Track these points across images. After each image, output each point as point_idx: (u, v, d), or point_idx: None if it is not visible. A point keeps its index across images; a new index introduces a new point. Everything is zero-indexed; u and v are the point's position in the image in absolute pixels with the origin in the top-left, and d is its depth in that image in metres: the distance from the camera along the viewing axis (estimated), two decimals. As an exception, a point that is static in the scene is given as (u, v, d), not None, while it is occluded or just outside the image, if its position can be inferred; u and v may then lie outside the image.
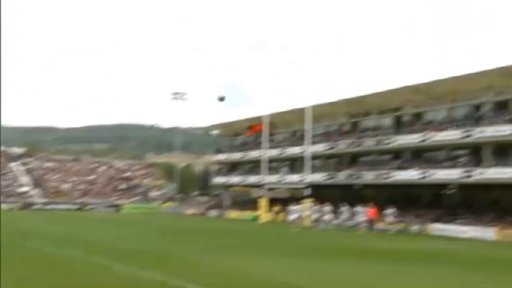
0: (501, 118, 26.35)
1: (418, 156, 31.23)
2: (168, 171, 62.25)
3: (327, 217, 26.38)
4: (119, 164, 57.99)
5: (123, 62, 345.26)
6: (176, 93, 53.07)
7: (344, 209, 26.33)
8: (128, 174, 54.80)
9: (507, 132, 25.20)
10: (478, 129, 26.62)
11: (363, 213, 25.02)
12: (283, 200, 36.22)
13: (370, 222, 24.78)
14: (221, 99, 35.96)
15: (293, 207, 28.55)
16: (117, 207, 46.73)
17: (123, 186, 51.77)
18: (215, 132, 50.70)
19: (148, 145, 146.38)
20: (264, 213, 33.37)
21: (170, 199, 51.32)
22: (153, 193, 51.96)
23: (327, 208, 27.00)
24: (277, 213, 33.04)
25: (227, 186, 46.71)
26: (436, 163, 29.08)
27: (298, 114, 36.02)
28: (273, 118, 36.72)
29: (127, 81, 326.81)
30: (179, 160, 62.43)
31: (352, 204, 26.83)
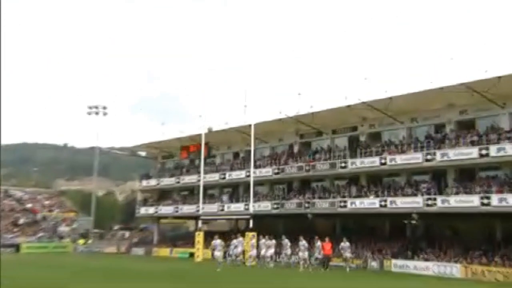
0: (465, 139, 27.11)
1: (376, 181, 32.05)
2: (83, 201, 62.33)
3: (269, 252, 26.55)
4: (20, 193, 57.03)
5: (28, 66, 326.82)
6: (93, 107, 52.93)
7: (289, 243, 26.73)
8: (30, 205, 54.08)
9: (473, 156, 25.79)
10: (440, 151, 27.33)
11: (318, 248, 25.52)
12: (225, 233, 37.08)
13: (325, 259, 25.06)
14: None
15: (234, 241, 29.30)
16: (17, 246, 45.90)
17: (25, 219, 51.14)
18: (142, 153, 50.98)
19: (58, 169, 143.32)
20: (200, 250, 33.13)
21: (85, 235, 51.12)
22: (63, 228, 51.45)
23: (270, 242, 26.99)
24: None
25: (156, 218, 47.01)
26: (396, 190, 29.72)
27: (241, 132, 36.83)
28: (212, 137, 37.84)
29: (31, 90, 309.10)
30: (96, 187, 61.37)
31: (304, 237, 26.74)
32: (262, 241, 27.18)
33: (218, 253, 24.22)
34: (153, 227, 48.23)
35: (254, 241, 27.55)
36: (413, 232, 30.38)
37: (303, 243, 24.83)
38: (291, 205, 33.76)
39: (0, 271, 16.06)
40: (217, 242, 24.75)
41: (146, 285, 15.15)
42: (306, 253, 24.44)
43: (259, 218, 31.60)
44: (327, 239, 25.34)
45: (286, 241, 26.74)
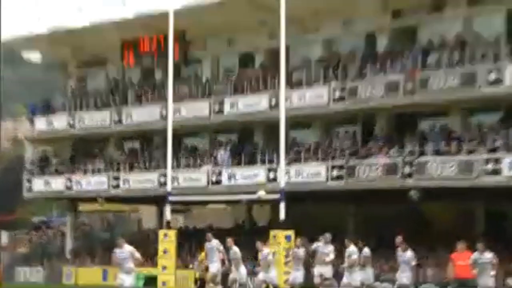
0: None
1: None
2: None
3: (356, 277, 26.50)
4: None
5: None
6: None
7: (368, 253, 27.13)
8: None
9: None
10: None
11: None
12: (225, 234, 35.71)
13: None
14: None
15: (264, 251, 27.99)
16: None
17: None
18: (33, 56, 52.76)
19: None
20: (171, 269, 33.07)
21: None
22: None
23: (351, 249, 26.57)
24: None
25: (69, 202, 48.51)
26: None
27: (257, 6, 38.19)
28: (192, 19, 39.02)
29: None
30: None
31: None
32: (318, 245, 26.22)
33: (215, 269, 26.95)
34: (64, 221, 48.46)
35: (297, 251, 27.05)
36: None
37: (405, 254, 24.56)
38: (372, 170, 33.21)
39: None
40: (213, 243, 27.07)
41: None
42: (406, 275, 24.25)
43: (299, 199, 32.85)
44: (460, 245, 22.91)
45: (366, 250, 26.84)
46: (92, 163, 46.47)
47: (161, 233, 33.28)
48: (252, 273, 30.58)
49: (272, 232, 29.13)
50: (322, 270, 26.18)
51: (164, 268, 32.54)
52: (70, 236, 48.24)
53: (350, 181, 33.89)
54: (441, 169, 31.27)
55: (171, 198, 33.52)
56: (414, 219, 35.06)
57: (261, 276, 27.09)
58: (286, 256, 27.58)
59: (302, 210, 34.99)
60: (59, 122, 46.80)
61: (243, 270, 27.79)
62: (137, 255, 23.66)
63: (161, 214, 42.18)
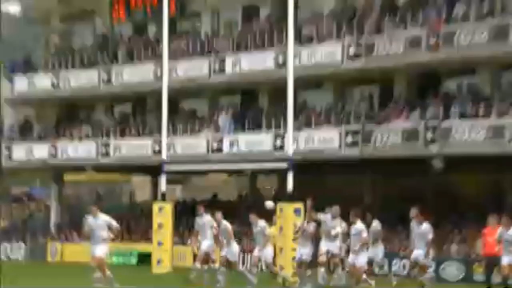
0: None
1: None
2: None
3: (362, 257, 25.95)
4: None
5: None
6: None
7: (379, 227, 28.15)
8: None
9: None
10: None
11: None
12: (227, 206, 37.66)
13: (490, 263, 24.42)
14: None
15: (259, 223, 27.89)
16: None
17: None
18: (10, 8, 53.29)
19: None
20: (167, 246, 33.96)
21: None
22: None
23: (359, 226, 26.39)
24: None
25: (53, 171, 48.58)
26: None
27: None
28: None
29: None
30: None
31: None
32: (326, 217, 26.89)
33: (205, 247, 27.18)
34: (48, 193, 48.82)
35: (306, 227, 26.96)
36: None
37: (422, 226, 24.88)
38: (391, 136, 32.99)
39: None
40: (205, 219, 27.37)
41: None
42: (420, 252, 24.59)
43: (309, 169, 33.14)
44: (492, 219, 23.99)
45: (375, 225, 27.38)
46: (79, 128, 45.85)
47: (155, 206, 33.43)
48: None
49: (279, 205, 28.99)
50: (330, 247, 26.25)
51: (159, 244, 32.72)
52: (55, 209, 47.92)
53: (366, 149, 33.56)
54: (468, 135, 30.71)
55: (166, 167, 33.81)
56: (437, 191, 35.01)
57: (256, 252, 27.05)
58: (295, 232, 27.61)
59: (313, 181, 34.90)
60: (42, 82, 46.32)
61: (234, 247, 27.72)
62: (114, 223, 23.75)
63: (155, 185, 42.11)
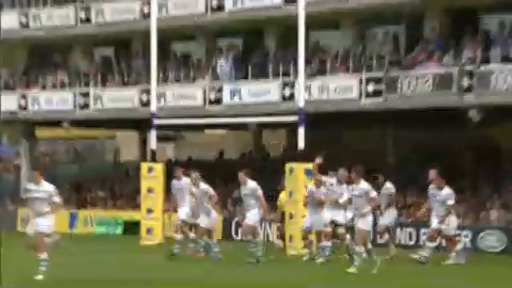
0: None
1: None
2: None
3: (390, 216, 28.67)
4: None
5: None
6: None
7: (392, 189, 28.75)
8: None
9: None
10: None
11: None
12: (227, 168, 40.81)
13: None
14: None
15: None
16: None
17: None
18: None
19: None
20: (157, 213, 34.54)
21: None
22: None
23: (388, 187, 28.36)
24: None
25: (24, 124, 48.71)
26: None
27: None
28: None
29: None
30: None
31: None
32: (331, 181, 27.27)
33: (183, 215, 28.02)
34: (17, 151, 49.98)
35: (315, 191, 27.13)
36: None
37: (441, 192, 25.78)
38: (420, 83, 33.10)
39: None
40: (183, 182, 27.99)
41: None
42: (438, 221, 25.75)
43: (323, 123, 34.16)
44: None
45: (389, 186, 28.00)
46: (53, 75, 45.62)
47: (144, 166, 33.64)
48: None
49: (288, 165, 29.07)
50: (335, 216, 26.29)
51: (149, 211, 32.98)
52: (26, 170, 46.88)
53: (391, 98, 33.31)
54: (511, 81, 30.44)
55: (156, 121, 33.75)
56: (473, 148, 34.92)
57: (249, 219, 27.10)
58: (307, 196, 27.33)
59: (327, 137, 35.25)
60: (8, 20, 45.57)
61: (213, 215, 27.91)
62: (57, 199, 22.54)
63: (144, 142, 43.11)
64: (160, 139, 36.76)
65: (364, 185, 24.27)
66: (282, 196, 30.26)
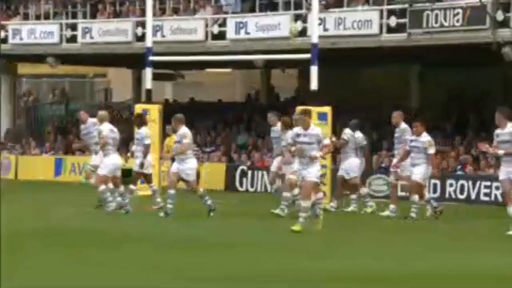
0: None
1: None
2: None
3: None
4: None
5: None
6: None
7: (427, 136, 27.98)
8: None
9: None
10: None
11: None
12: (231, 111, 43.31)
13: None
14: None
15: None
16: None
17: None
18: None
19: None
20: (155, 171, 33.53)
21: None
22: None
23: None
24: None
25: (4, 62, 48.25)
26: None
27: None
28: None
29: None
30: None
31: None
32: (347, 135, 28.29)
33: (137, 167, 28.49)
34: None
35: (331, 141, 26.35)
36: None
37: (419, 139, 26.14)
38: (449, 17, 33.40)
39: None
40: (143, 131, 28.32)
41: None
42: (420, 171, 25.91)
43: (339, 61, 35.39)
44: None
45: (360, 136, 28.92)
46: (36, 4, 45.51)
47: (138, 108, 33.11)
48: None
49: (299, 108, 28.38)
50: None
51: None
52: (7, 111, 48.43)
53: (415, 34, 33.20)
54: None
55: (152, 57, 33.35)
56: (509, 88, 34.87)
57: (274, 167, 27.38)
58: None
59: (343, 77, 35.21)
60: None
61: (191, 162, 27.00)
62: None
63: (138, 80, 43.66)
64: (156, 77, 36.82)
65: (347, 132, 26.07)
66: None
